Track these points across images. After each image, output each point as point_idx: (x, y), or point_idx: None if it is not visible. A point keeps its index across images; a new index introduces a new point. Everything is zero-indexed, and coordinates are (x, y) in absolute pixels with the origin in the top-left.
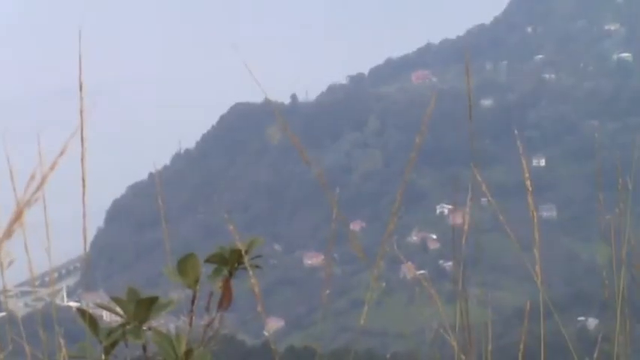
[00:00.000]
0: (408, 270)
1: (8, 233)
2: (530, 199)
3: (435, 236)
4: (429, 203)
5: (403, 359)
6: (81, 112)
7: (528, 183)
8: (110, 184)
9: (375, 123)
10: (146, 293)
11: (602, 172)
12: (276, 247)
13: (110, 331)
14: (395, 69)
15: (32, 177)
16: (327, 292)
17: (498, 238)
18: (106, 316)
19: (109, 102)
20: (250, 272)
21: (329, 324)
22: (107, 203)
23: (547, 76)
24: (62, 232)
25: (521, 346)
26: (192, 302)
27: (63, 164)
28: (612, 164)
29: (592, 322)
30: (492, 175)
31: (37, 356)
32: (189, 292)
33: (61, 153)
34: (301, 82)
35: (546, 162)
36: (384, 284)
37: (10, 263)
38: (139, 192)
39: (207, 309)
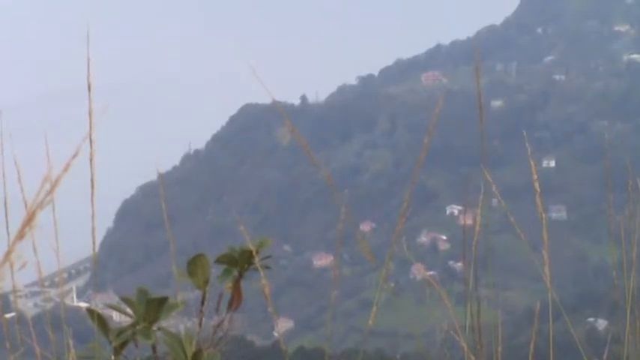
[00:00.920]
0: (418, 271)
1: (20, 236)
2: (538, 200)
3: (445, 237)
4: (439, 204)
5: None
6: (90, 113)
7: (537, 184)
8: (120, 185)
9: (385, 124)
10: (156, 293)
11: (611, 173)
12: (286, 247)
13: (120, 332)
14: (405, 70)
15: (46, 179)
16: (335, 292)
17: (508, 239)
18: (115, 316)
19: (120, 103)
20: (261, 273)
21: (339, 324)
22: (117, 203)
23: (557, 77)
24: (72, 233)
25: (531, 347)
26: (202, 303)
27: (73, 164)
28: (622, 165)
29: (602, 323)
30: (502, 176)
31: (46, 357)
32: (199, 292)
33: (74, 155)
34: (311, 82)
35: (556, 163)
36: (393, 285)
37: (23, 266)
38: (148, 192)
39: (217, 310)
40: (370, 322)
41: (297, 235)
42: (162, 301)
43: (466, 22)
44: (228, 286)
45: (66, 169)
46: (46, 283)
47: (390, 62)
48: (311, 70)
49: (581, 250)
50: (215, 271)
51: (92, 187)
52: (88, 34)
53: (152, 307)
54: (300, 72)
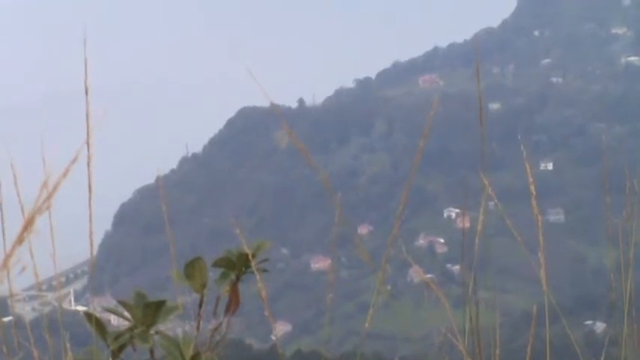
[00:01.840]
0: (416, 273)
1: (19, 241)
2: (534, 203)
3: (442, 240)
4: (436, 207)
5: None
6: (87, 116)
7: (532, 187)
8: (118, 188)
9: (382, 127)
10: (153, 297)
11: (609, 176)
12: (284, 250)
13: (117, 335)
14: (402, 73)
15: (44, 185)
16: (332, 295)
17: (506, 242)
18: (113, 320)
19: (118, 105)
20: (257, 276)
21: (336, 328)
22: (115, 207)
23: (554, 79)
24: (70, 236)
25: (529, 350)
26: (200, 306)
27: (75, 169)
28: (619, 167)
29: (600, 326)
30: (500, 179)
31: None
32: (197, 296)
33: (73, 160)
34: (309, 85)
35: (554, 165)
36: (390, 288)
37: (22, 270)
38: (146, 195)
39: (215, 313)
40: (367, 325)
41: (295, 238)
42: (159, 305)
43: (463, 25)
44: (225, 289)
45: (65, 175)
46: (44, 287)
47: (387, 65)
48: (308, 73)
49: (578, 252)
50: (212, 274)
51: (90, 190)
52: (85, 36)
53: (150, 311)
54: (297, 75)
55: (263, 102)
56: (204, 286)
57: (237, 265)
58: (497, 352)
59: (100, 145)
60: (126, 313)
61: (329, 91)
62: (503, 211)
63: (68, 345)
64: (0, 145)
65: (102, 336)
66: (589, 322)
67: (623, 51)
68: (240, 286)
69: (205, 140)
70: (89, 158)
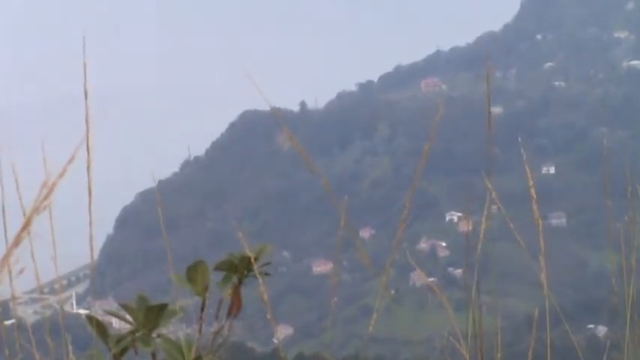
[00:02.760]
0: (418, 277)
1: (17, 241)
2: (535, 207)
3: (444, 244)
4: (438, 211)
5: None
6: (87, 119)
7: (533, 191)
8: (120, 191)
9: (385, 130)
10: (155, 300)
11: (611, 180)
12: (285, 254)
13: (119, 339)
14: (404, 76)
15: (44, 185)
16: (335, 299)
17: (508, 246)
18: (115, 323)
19: (120, 108)
20: (260, 279)
21: (338, 331)
22: (117, 210)
23: (557, 83)
24: (72, 239)
25: (530, 354)
26: (202, 309)
27: (74, 171)
28: (622, 172)
29: (601, 330)
30: (502, 182)
31: None
32: (199, 299)
33: (70, 160)
34: (311, 89)
35: (556, 169)
36: (393, 291)
37: (21, 272)
38: (148, 199)
39: (217, 316)
40: (371, 328)
41: (297, 242)
42: (161, 308)
43: (466, 28)
44: (227, 292)
45: (62, 175)
46: (46, 290)
47: (389, 69)
48: (310, 76)
49: (580, 256)
50: (215, 277)
51: (90, 194)
52: (84, 38)
53: (152, 314)
54: (299, 78)
55: (265, 106)
56: (206, 289)
57: (239, 269)
58: (499, 355)
59: (102, 148)
60: (128, 317)
61: (331, 95)
62: (506, 215)
63: (70, 348)
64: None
65: (103, 339)
66: (591, 326)
67: (625, 55)
68: (243, 290)
69: (208, 143)
70: (89, 162)
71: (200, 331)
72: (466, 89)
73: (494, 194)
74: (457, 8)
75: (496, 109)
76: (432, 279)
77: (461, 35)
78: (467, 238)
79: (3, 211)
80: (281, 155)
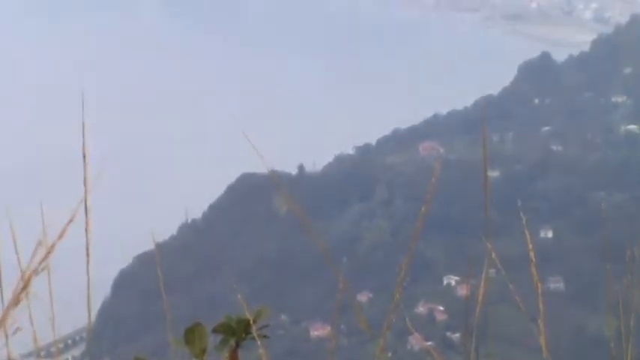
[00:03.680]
0: (416, 341)
1: (15, 302)
2: (534, 270)
3: (442, 308)
4: (436, 274)
5: None
6: (85, 180)
7: (532, 254)
8: (118, 253)
9: (383, 193)
10: None
11: (609, 244)
12: (283, 317)
13: None
14: (402, 140)
15: (39, 244)
16: None
17: (507, 310)
18: None
19: (117, 170)
20: (258, 342)
21: None
22: (115, 272)
23: (554, 147)
24: (71, 301)
25: None
26: None
27: (72, 233)
28: (620, 235)
29: None
30: (500, 246)
31: None
32: None
33: (69, 221)
34: (309, 152)
35: (554, 233)
36: (390, 355)
37: (16, 331)
38: (145, 262)
39: None
40: None
41: (295, 305)
42: None
43: (463, 92)
44: (225, 355)
45: (61, 236)
46: (42, 353)
47: (387, 132)
48: (308, 139)
49: (579, 321)
50: (213, 340)
51: (87, 254)
52: (82, 101)
53: None
54: (297, 140)
55: (263, 168)
56: (204, 351)
57: (237, 331)
58: None
59: (98, 210)
60: None
61: (329, 158)
62: (506, 278)
63: None
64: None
65: None
66: None
67: (622, 119)
68: (240, 353)
69: (205, 206)
70: (87, 223)
71: None
72: (464, 152)
73: (492, 257)
74: (455, 72)
75: (493, 173)
76: (429, 343)
77: (458, 99)
78: (465, 302)
79: (0, 271)
80: (279, 218)
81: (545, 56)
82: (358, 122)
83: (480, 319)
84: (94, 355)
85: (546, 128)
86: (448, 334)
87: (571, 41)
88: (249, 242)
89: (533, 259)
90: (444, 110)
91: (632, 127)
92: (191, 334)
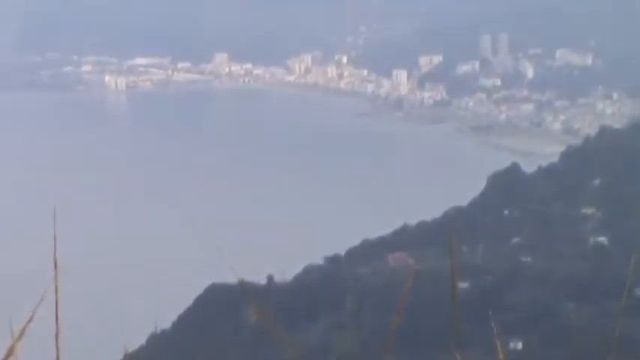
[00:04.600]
0: None
1: None
2: None
3: None
4: None
5: None
6: (56, 290)
7: None
8: None
9: (352, 304)
10: None
11: (579, 356)
12: None
13: None
14: (372, 250)
15: (10, 350)
16: None
17: None
18: None
19: (86, 282)
20: None
21: None
22: None
23: (524, 258)
24: None
25: None
26: None
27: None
28: (590, 348)
29: None
30: (470, 357)
31: None
32: None
33: (29, 320)
34: (278, 262)
35: (523, 345)
36: None
37: None
38: None
39: None
40: None
41: None
42: None
43: (433, 202)
44: None
45: (20, 338)
46: None
47: (356, 242)
48: (278, 249)
49: None
50: None
51: None
52: (54, 214)
53: None
54: (266, 251)
55: (233, 278)
56: None
57: None
58: None
59: (69, 320)
60: None
61: (298, 268)
62: None
63: None
64: None
65: None
66: None
67: (592, 231)
68: None
69: (174, 317)
70: (57, 330)
71: None
72: (433, 263)
73: None
74: (424, 183)
75: (463, 284)
76: None
77: (428, 210)
78: None
79: None
80: (248, 328)
81: (515, 167)
82: (327, 233)
83: None
84: None
85: (516, 239)
86: None
87: (540, 152)
88: (219, 353)
89: None
90: (413, 221)
91: (601, 238)
92: None
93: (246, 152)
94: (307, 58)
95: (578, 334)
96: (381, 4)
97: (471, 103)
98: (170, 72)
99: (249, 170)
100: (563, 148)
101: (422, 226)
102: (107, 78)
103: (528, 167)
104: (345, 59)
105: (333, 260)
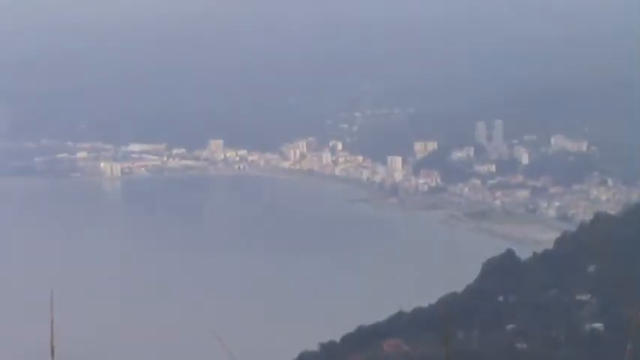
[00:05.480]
0: None
1: None
2: None
3: None
4: None
5: None
6: None
7: None
8: None
9: None
10: None
11: None
12: None
13: None
14: (366, 337)
15: None
16: None
17: None
18: None
19: None
20: None
21: None
22: None
23: (519, 345)
24: None
25: None
26: None
27: None
28: None
29: None
30: None
31: None
32: None
33: None
34: (273, 349)
35: None
36: None
37: None
38: None
39: None
40: None
41: None
42: None
43: (428, 289)
44: None
45: None
46: None
47: (351, 329)
48: (272, 337)
49: None
50: None
51: None
52: (51, 297)
53: None
54: (261, 338)
55: None
56: None
57: None
58: None
59: None
60: None
61: (293, 355)
62: None
63: None
64: None
65: None
66: None
67: (588, 318)
68: None
69: None
70: None
71: None
72: (429, 350)
73: None
74: (419, 270)
75: None
76: None
77: (423, 297)
78: None
79: None
80: None
81: (510, 254)
82: (322, 319)
83: None
84: None
85: (511, 326)
86: None
87: (535, 239)
88: None
89: None
90: (408, 308)
91: (597, 325)
92: None
93: (241, 240)
94: (302, 145)
95: None
96: (375, 90)
97: (466, 190)
98: (165, 158)
99: (244, 258)
100: (558, 235)
101: (417, 313)
102: (102, 164)
103: (523, 254)
104: (340, 145)
105: (329, 347)
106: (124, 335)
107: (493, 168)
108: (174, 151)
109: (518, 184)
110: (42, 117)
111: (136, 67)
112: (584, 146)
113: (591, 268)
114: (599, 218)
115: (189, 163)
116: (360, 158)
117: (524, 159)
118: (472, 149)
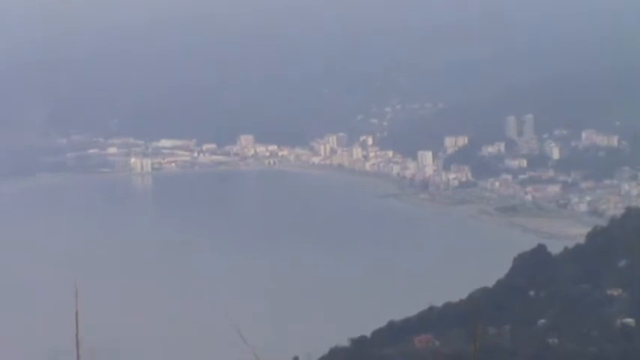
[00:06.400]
0: None
1: None
2: None
3: None
4: None
5: None
6: None
7: None
8: None
9: None
10: None
11: None
12: None
13: None
14: (397, 332)
15: None
16: None
17: None
18: None
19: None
20: None
21: None
22: None
23: (551, 340)
24: None
25: None
26: None
27: None
28: None
29: None
30: None
31: None
32: None
33: None
34: (304, 345)
35: None
36: None
37: None
38: None
39: None
40: None
41: None
42: None
43: (459, 284)
44: None
45: None
46: None
47: (382, 324)
48: (303, 332)
49: None
50: None
51: None
52: (76, 294)
53: None
54: (292, 333)
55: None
56: None
57: None
58: None
59: None
60: None
61: (324, 350)
62: None
63: None
64: None
65: None
66: None
67: (619, 312)
68: None
69: None
70: None
71: None
72: (459, 345)
73: None
74: (450, 265)
75: None
76: None
77: (453, 291)
78: None
79: None
80: None
81: (541, 249)
82: (353, 314)
83: None
84: None
85: (542, 321)
86: None
87: (566, 234)
88: None
89: None
90: (439, 303)
91: (628, 320)
92: None
93: (272, 234)
94: (332, 140)
95: None
96: (406, 85)
97: (497, 184)
98: (195, 154)
99: (275, 254)
100: (589, 230)
101: (448, 308)
102: (132, 160)
103: (554, 249)
104: (370, 140)
105: (359, 342)
106: (150, 330)
107: (524, 163)
108: (205, 147)
109: (549, 179)
110: (73, 113)
111: (166, 63)
112: (615, 141)
113: (622, 263)
114: (630, 213)
115: (220, 158)
116: (391, 153)
117: (555, 154)
118: (503, 144)
